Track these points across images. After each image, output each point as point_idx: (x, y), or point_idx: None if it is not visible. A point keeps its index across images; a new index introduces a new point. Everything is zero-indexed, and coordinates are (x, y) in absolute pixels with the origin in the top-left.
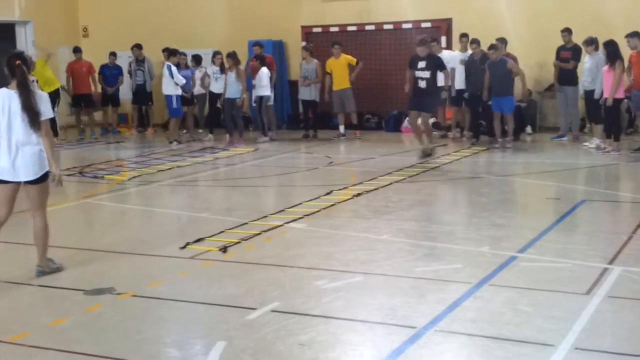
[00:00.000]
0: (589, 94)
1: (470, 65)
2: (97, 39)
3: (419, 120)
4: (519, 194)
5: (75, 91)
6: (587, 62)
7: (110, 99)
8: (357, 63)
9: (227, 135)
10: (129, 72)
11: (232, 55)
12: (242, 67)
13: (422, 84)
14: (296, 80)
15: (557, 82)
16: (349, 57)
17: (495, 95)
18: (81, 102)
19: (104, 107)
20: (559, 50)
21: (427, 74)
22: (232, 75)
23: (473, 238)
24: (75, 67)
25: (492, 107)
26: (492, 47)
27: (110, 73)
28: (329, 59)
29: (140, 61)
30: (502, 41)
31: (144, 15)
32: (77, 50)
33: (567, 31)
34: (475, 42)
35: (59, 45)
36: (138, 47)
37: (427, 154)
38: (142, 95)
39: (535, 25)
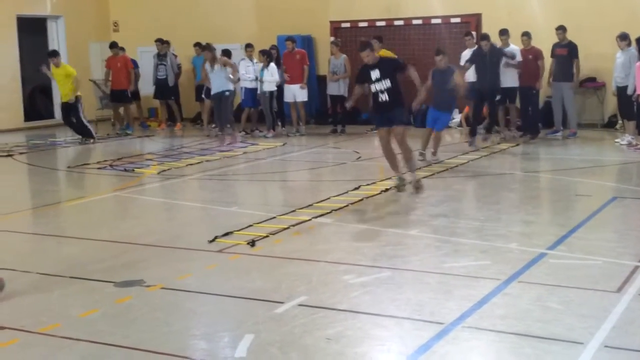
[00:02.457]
0: (621, 90)
1: (477, 60)
2: (127, 34)
3: (395, 138)
4: (549, 190)
5: (112, 87)
6: (619, 58)
7: (118, 95)
8: None
9: (225, 135)
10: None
11: (209, 48)
12: (225, 58)
13: (384, 97)
14: (324, 75)
15: (552, 79)
16: (389, 52)
17: (435, 107)
18: (117, 97)
19: (113, 102)
20: (554, 47)
21: (386, 84)
22: (216, 68)
23: (502, 234)
24: (112, 62)
25: (427, 122)
26: (483, 37)
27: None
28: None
29: (162, 55)
30: (527, 34)
31: (173, 10)
32: (113, 45)
33: (561, 29)
34: (485, 38)
35: (89, 40)
36: (160, 41)
37: (400, 188)
38: (164, 90)
39: (566, 20)
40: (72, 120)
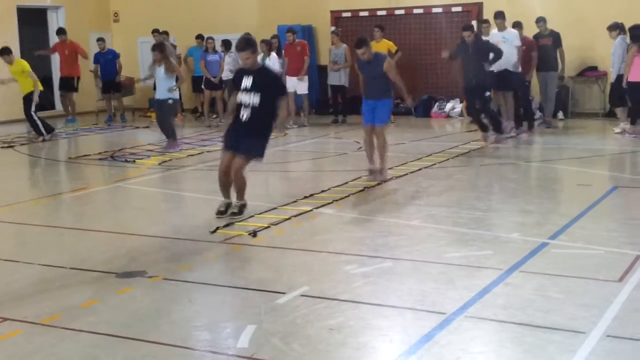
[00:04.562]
0: (620, 78)
1: (461, 54)
2: (127, 24)
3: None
4: (550, 180)
5: (104, 78)
6: (613, 47)
7: (112, 85)
8: (396, 51)
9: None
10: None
11: (159, 47)
12: (176, 65)
13: (245, 115)
14: (325, 65)
15: (538, 69)
16: (390, 42)
17: (367, 98)
18: (110, 88)
19: (105, 94)
20: (537, 38)
21: (254, 99)
22: (161, 70)
23: (503, 224)
24: (60, 49)
25: (363, 116)
26: (466, 28)
27: (105, 59)
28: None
29: None
30: (518, 24)
31: (174, 1)
32: (60, 31)
33: (542, 20)
34: (468, 28)
35: (89, 30)
36: (157, 32)
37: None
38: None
39: (568, 9)
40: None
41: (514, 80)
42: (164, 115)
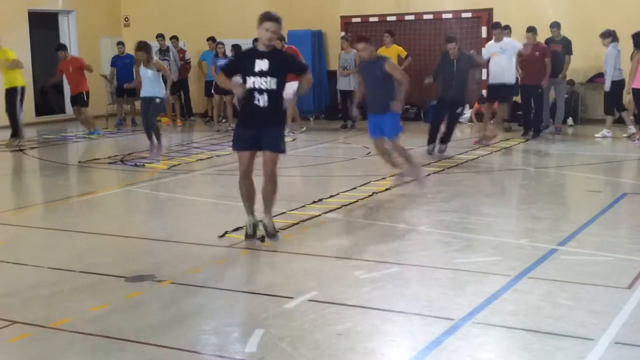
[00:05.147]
0: (614, 85)
1: (443, 66)
2: (138, 28)
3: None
4: (559, 186)
5: (120, 81)
6: (606, 55)
7: (127, 89)
8: (406, 57)
9: (149, 143)
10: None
11: (145, 48)
12: (159, 62)
13: (262, 101)
14: (335, 70)
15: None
16: (400, 48)
17: (372, 112)
18: (124, 92)
19: (119, 97)
20: (548, 42)
21: (271, 83)
22: (148, 71)
23: (512, 230)
24: (64, 67)
25: (369, 131)
26: (450, 39)
27: (123, 63)
28: (380, 47)
29: (164, 51)
30: (532, 30)
31: (184, 5)
32: (59, 48)
33: (556, 25)
34: (452, 40)
35: (100, 35)
36: (162, 36)
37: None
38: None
39: (578, 15)
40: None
41: (510, 92)
42: (151, 114)
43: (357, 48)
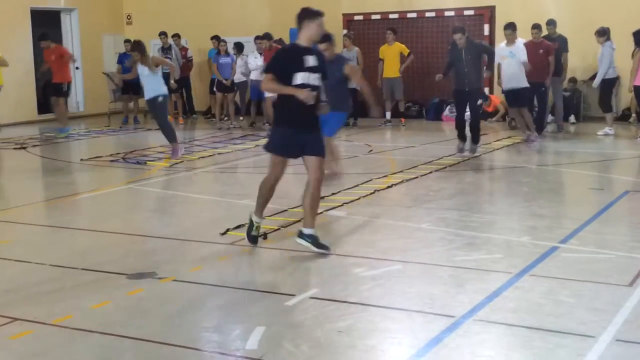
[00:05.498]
0: (608, 82)
1: (453, 58)
2: (140, 26)
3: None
4: (561, 184)
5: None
6: (600, 53)
7: (132, 87)
8: (409, 54)
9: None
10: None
11: (138, 47)
12: (157, 58)
13: (311, 101)
14: None
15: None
16: (402, 45)
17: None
18: (129, 90)
19: (124, 95)
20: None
21: (318, 81)
22: (144, 69)
23: (514, 228)
24: (47, 56)
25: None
26: (456, 30)
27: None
28: (382, 45)
29: (166, 49)
30: (538, 27)
31: (186, 3)
32: (42, 37)
33: (552, 23)
34: (459, 30)
35: (102, 32)
36: (164, 34)
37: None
38: (169, 83)
39: (580, 13)
40: None
41: (525, 95)
42: (158, 114)
43: (319, 48)
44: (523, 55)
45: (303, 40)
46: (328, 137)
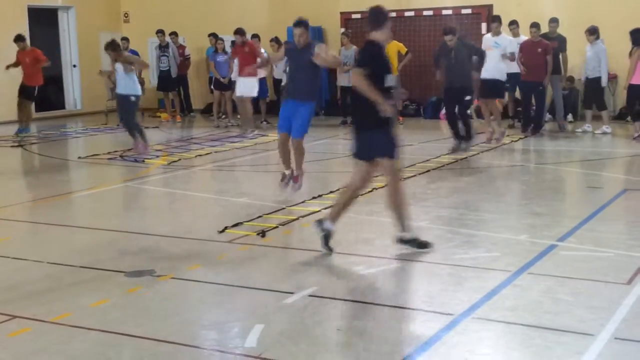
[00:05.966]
0: (591, 82)
1: (443, 57)
2: (138, 24)
3: None
4: (559, 182)
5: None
6: (588, 51)
7: None
8: (406, 53)
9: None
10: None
11: (112, 46)
12: (127, 56)
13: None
14: None
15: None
16: (400, 44)
17: (291, 97)
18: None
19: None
20: (543, 38)
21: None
22: (119, 67)
23: (512, 226)
24: (21, 58)
25: (279, 121)
26: (447, 31)
27: None
28: None
29: (164, 47)
30: (536, 25)
31: (184, 1)
32: (18, 38)
33: (555, 22)
34: (450, 32)
35: (100, 30)
36: (161, 32)
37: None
38: (167, 82)
39: (578, 12)
40: None
41: (500, 88)
42: (127, 112)
43: (294, 32)
44: (509, 47)
45: (382, 39)
46: (297, 141)
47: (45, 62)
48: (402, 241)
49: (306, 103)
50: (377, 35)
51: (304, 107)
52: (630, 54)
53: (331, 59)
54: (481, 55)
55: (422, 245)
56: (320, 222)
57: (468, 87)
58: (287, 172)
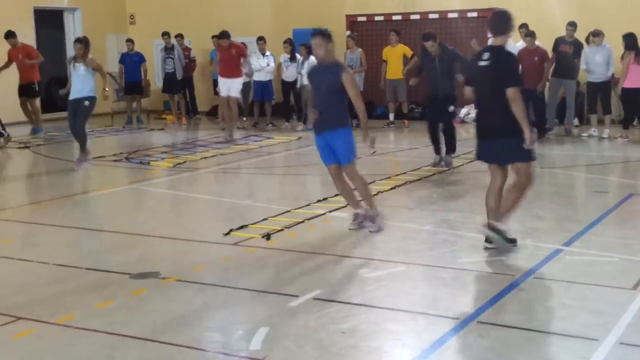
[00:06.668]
0: (601, 85)
1: (425, 65)
2: (143, 26)
3: None
4: (565, 186)
5: (128, 80)
6: (595, 55)
7: (135, 87)
8: (412, 56)
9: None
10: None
11: (83, 41)
12: (98, 63)
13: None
14: None
15: (555, 75)
16: (406, 47)
17: (318, 129)
18: (132, 90)
19: (127, 95)
20: (558, 42)
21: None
22: (81, 66)
23: (517, 230)
24: (14, 54)
25: (322, 157)
26: (427, 37)
27: (131, 61)
28: (386, 46)
29: (169, 49)
30: (532, 34)
31: (189, 3)
32: (8, 35)
33: (573, 25)
34: (430, 37)
35: (106, 32)
36: (167, 34)
37: None
38: (172, 84)
39: (583, 16)
40: None
41: None
42: (78, 118)
43: (311, 44)
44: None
45: (504, 45)
46: (349, 168)
47: (38, 58)
48: (492, 229)
49: (340, 130)
50: (501, 41)
51: (338, 133)
52: (622, 57)
53: (359, 103)
54: (463, 61)
55: (509, 240)
56: (492, 228)
57: (451, 96)
58: (360, 211)
